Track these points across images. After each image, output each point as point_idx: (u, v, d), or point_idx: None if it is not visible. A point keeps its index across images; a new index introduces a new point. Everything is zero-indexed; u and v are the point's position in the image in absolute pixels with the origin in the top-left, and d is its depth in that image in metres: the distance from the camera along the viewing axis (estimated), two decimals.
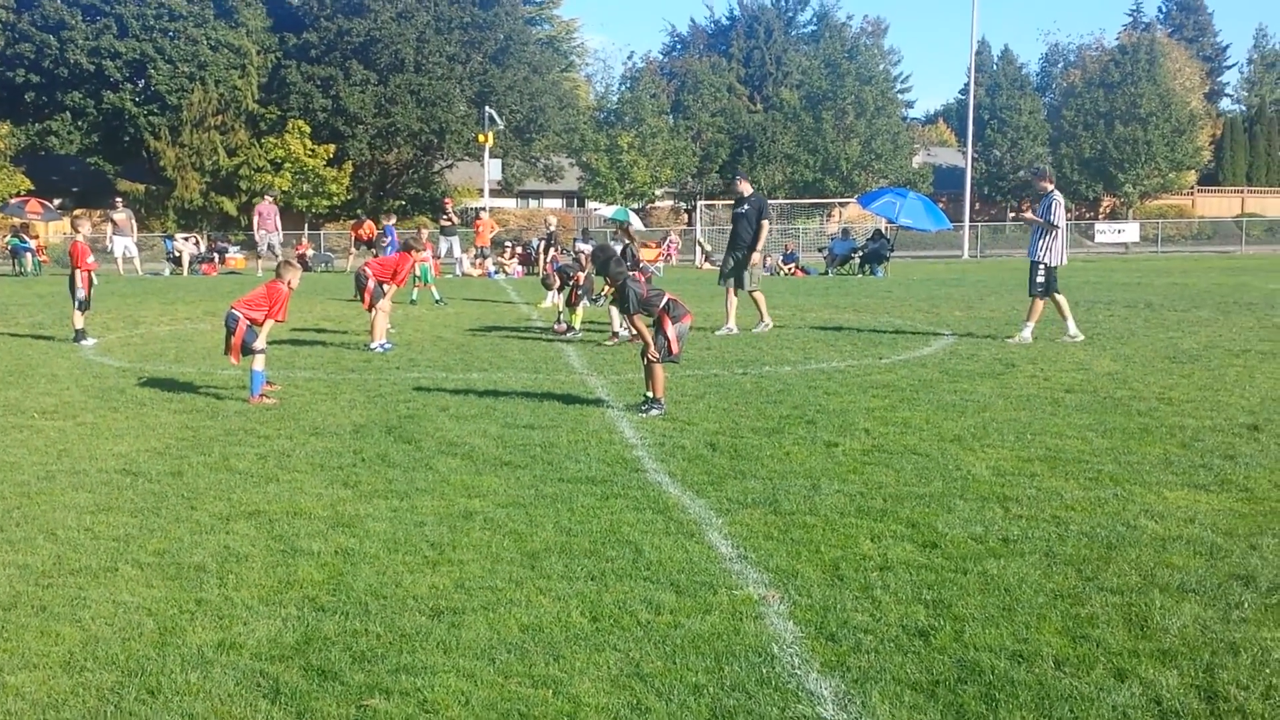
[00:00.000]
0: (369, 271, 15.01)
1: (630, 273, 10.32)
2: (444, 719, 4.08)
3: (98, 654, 4.66)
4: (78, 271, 15.98)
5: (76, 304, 15.99)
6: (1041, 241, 14.77)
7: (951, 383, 11.38)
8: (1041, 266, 14.72)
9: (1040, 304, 14.83)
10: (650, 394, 9.94)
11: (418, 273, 20.27)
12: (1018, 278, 30.83)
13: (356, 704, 4.20)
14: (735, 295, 16.84)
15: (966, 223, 50.86)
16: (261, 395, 10.70)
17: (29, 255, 36.80)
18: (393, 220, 32.09)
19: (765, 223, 16.80)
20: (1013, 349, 14.04)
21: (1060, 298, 14.94)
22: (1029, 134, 68.20)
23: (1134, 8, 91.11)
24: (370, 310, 14.88)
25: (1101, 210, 69.63)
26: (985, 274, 33.76)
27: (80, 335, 15.81)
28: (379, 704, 4.19)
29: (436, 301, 21.82)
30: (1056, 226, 14.71)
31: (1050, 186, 15.11)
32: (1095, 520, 6.38)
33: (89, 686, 4.37)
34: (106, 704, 4.22)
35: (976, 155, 62.01)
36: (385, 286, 14.85)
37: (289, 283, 11.24)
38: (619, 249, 13.90)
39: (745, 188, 17.15)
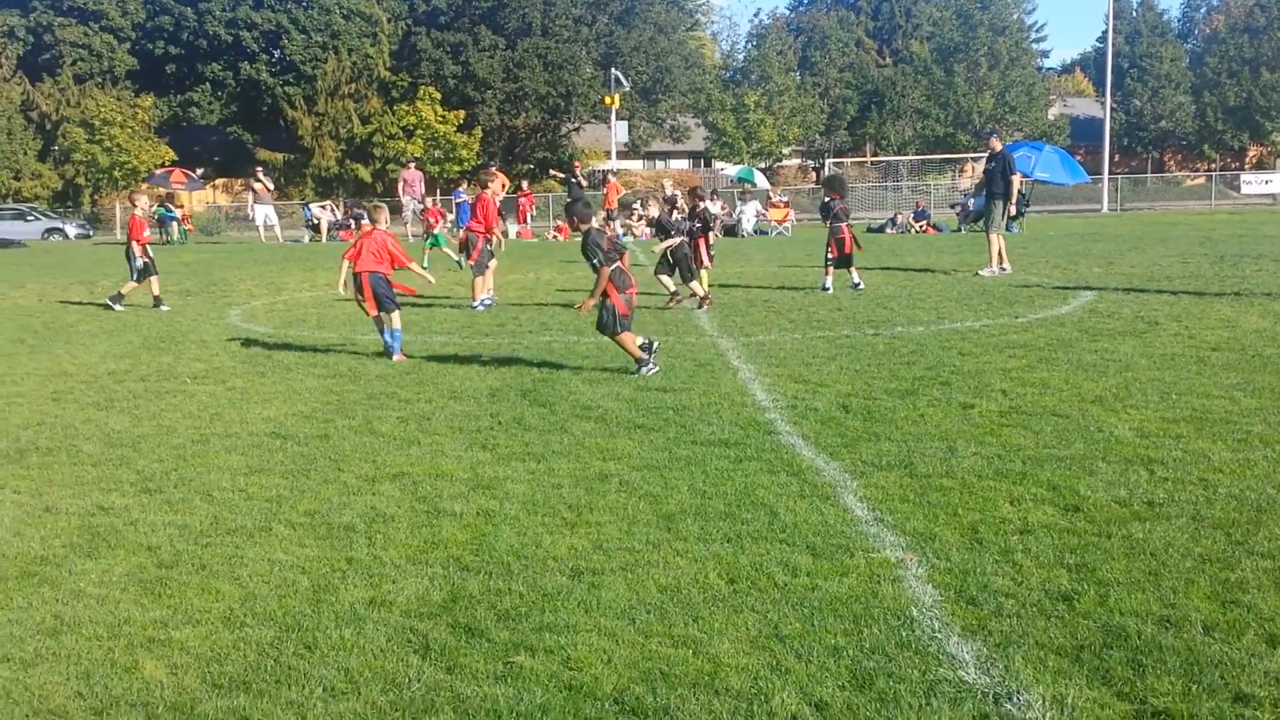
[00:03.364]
0: (477, 229, 15.93)
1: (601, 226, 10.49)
2: (587, 677, 4.16)
3: (256, 610, 4.87)
4: (133, 243, 16.71)
5: (133, 275, 16.79)
6: None
7: (1091, 341, 11.13)
8: None
9: None
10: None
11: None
12: (1159, 231, 29.97)
13: (503, 660, 4.31)
14: (994, 237, 18.64)
15: (1105, 175, 49.45)
16: (403, 353, 11.08)
17: (175, 224, 38.14)
18: (463, 188, 32.66)
19: (1015, 176, 19.10)
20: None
21: None
22: (1170, 82, 66.02)
23: None
24: (475, 267, 15.76)
25: (1248, 160, 67.12)
26: (1125, 228, 32.79)
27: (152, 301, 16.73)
28: (524, 661, 4.30)
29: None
30: None
31: None
32: (1244, 483, 6.20)
33: (249, 641, 4.56)
34: (266, 658, 4.40)
35: (1115, 105, 60.23)
36: (489, 244, 15.75)
37: (381, 224, 11.81)
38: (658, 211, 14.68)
39: (996, 145, 19.38)
